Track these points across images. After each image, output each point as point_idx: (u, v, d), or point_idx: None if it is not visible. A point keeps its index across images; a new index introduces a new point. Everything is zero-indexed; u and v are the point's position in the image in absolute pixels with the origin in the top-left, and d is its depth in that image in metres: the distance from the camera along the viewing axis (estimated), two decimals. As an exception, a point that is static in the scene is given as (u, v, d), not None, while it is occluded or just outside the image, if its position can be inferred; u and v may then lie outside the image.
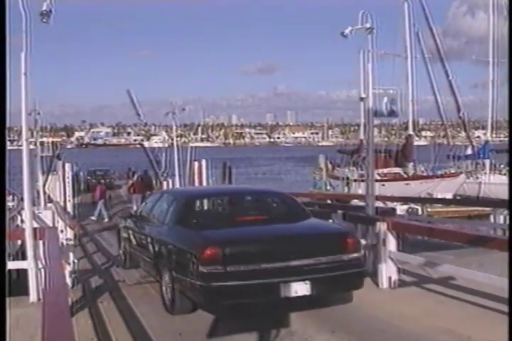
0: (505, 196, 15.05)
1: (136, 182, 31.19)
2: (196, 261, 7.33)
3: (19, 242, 11.15)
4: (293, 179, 57.72)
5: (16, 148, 9.87)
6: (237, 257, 7.39)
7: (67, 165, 27.52)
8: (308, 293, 7.50)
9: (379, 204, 12.99)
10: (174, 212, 8.87)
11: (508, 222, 12.45)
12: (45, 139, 33.82)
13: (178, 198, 9.46)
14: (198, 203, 9.81)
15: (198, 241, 7.72)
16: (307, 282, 7.47)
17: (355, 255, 7.89)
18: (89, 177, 46.04)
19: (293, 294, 7.43)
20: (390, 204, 16.50)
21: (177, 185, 26.77)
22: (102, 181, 42.88)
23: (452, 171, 34.76)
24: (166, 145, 38.85)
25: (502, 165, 34.24)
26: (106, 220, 25.12)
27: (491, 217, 13.93)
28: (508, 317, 4.67)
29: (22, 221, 12.06)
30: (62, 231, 11.20)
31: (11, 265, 8.79)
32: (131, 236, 10.71)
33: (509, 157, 28.80)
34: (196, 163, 28.89)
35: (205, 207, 10.05)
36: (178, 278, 7.74)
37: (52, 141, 38.82)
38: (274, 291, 7.38)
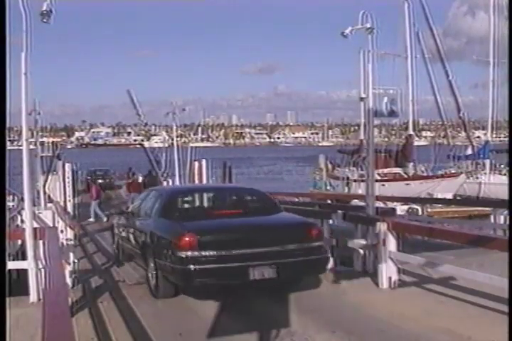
0: (505, 196, 15.04)
1: (134, 181, 31.54)
2: (175, 247, 8.40)
3: (19, 242, 11.14)
4: (294, 179, 57.64)
5: (16, 148, 9.87)
6: (211, 244, 8.45)
7: (67, 165, 27.50)
8: (274, 276, 8.44)
9: (379, 204, 13.00)
10: (159, 206, 9.94)
11: (508, 222, 12.45)
12: (45, 139, 33.79)
13: (162, 194, 10.60)
14: (180, 199, 10.80)
15: (178, 230, 8.73)
16: (273, 266, 8.42)
17: (318, 243, 8.88)
18: (89, 177, 46.08)
19: (260, 277, 8.36)
20: (390, 205, 16.51)
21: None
22: (101, 181, 42.98)
23: (452, 171, 34.78)
24: (166, 145, 38.83)
25: (502, 165, 34.25)
26: (104, 220, 25.10)
27: (491, 217, 13.92)
28: (508, 317, 4.66)
29: (22, 221, 12.05)
30: (62, 231, 11.20)
31: (11, 265, 8.78)
32: (123, 232, 11.64)
33: (509, 157, 28.80)
34: (196, 163, 28.89)
35: (187, 202, 10.93)
36: (160, 264, 8.74)
37: (53, 141, 38.77)
38: (244, 274, 8.33)
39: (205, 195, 11.18)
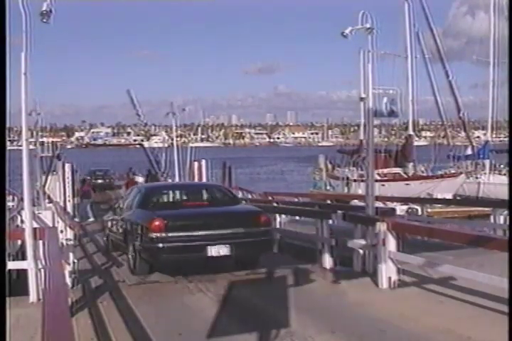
0: (505, 196, 15.04)
1: (131, 180, 31.93)
2: (148, 230, 10.45)
3: (19, 242, 11.13)
4: (297, 179, 57.51)
5: (15, 148, 9.86)
6: (176, 227, 10.52)
7: (67, 165, 27.46)
8: (228, 254, 10.49)
9: (379, 204, 12.99)
10: (138, 200, 12.08)
11: (508, 222, 12.44)
12: (45, 139, 33.75)
13: (141, 190, 12.90)
14: (156, 193, 12.97)
15: (150, 217, 10.77)
16: (228, 245, 10.45)
17: (265, 228, 11.04)
18: (89, 178, 46.05)
19: (217, 254, 10.43)
20: (389, 205, 16.51)
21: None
22: (101, 181, 42.96)
23: (452, 171, 34.80)
24: (166, 145, 38.85)
25: (502, 166, 34.26)
26: (92, 220, 25.09)
27: (491, 217, 13.92)
28: (508, 317, 4.66)
29: (22, 221, 12.04)
30: (62, 231, 11.20)
31: (11, 265, 8.78)
32: (111, 224, 13.71)
33: (509, 157, 28.80)
34: (196, 163, 28.88)
35: (162, 196, 13.01)
36: (137, 245, 10.79)
37: (52, 141, 38.74)
38: (203, 251, 10.39)
39: (177, 190, 13.52)
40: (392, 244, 8.92)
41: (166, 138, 51.19)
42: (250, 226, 10.82)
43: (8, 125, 6.98)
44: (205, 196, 13.01)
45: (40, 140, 27.83)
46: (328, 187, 37.43)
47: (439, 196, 27.48)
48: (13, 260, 9.93)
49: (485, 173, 34.26)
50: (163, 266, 10.90)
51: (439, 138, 42.66)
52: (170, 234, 10.32)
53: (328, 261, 10.72)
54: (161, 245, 10.28)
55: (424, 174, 35.92)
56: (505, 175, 32.06)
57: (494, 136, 37.81)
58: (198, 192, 13.50)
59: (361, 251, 9.94)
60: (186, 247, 10.40)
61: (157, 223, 10.39)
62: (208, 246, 10.39)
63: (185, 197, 12.99)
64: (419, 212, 17.56)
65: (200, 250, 10.39)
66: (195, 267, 10.58)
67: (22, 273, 8.95)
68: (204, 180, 28.13)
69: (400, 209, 16.96)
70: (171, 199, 12.94)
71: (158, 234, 10.30)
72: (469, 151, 35.97)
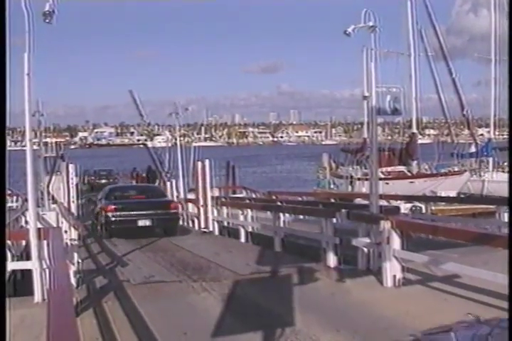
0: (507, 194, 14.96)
1: (140, 178, 32.54)
2: (106, 211, 18.61)
3: (24, 243, 11.15)
4: (311, 177, 57.10)
5: (19, 148, 9.86)
6: (122, 209, 18.58)
7: (70, 165, 27.44)
8: (150, 225, 18.53)
9: (383, 202, 12.97)
10: (104, 194, 20.35)
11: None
12: (48, 140, 33.75)
13: (107, 189, 21.47)
14: (115, 190, 21.53)
15: (108, 204, 19.04)
16: (150, 220, 18.50)
17: (174, 211, 19.22)
18: (93, 177, 46.13)
19: (143, 224, 18.41)
20: (393, 203, 16.49)
21: (180, 187, 26.72)
22: (105, 181, 42.96)
23: (456, 169, 34.70)
24: (170, 144, 38.83)
25: (505, 163, 34.14)
26: None
27: (496, 215, 13.88)
28: (508, 314, 4.64)
29: (26, 222, 12.06)
30: (66, 231, 11.21)
31: (16, 265, 8.81)
32: (92, 211, 22.14)
33: (509, 154, 28.76)
34: (199, 163, 28.81)
35: (119, 192, 21.18)
36: (101, 220, 18.95)
37: (56, 142, 38.77)
38: (135, 222, 18.36)
39: (129, 189, 22.79)
40: (396, 242, 8.91)
41: (170, 137, 51.14)
42: (164, 209, 18.94)
43: (11, 125, 7.00)
44: (144, 193, 21.15)
45: (44, 140, 27.83)
46: (331, 186, 37.38)
47: (443, 194, 27.41)
48: (18, 260, 9.95)
49: (488, 171, 34.17)
50: (116, 232, 18.29)
51: (443, 136, 42.60)
52: (118, 213, 18.43)
53: (332, 259, 10.71)
54: (113, 219, 18.41)
55: (428, 172, 35.83)
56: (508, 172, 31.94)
57: (497, 133, 37.72)
58: (141, 190, 22.32)
59: (365, 250, 9.93)
60: (126, 220, 18.34)
61: (112, 207, 18.67)
62: (138, 220, 18.36)
63: (131, 193, 21.01)
64: (424, 210, 17.54)
65: (134, 222, 18.34)
66: (134, 234, 17.97)
67: (27, 274, 8.96)
68: (208, 179, 28.08)
69: (404, 207, 16.96)
70: (123, 194, 20.66)
71: (111, 213, 18.45)
72: (473, 149, 35.89)
